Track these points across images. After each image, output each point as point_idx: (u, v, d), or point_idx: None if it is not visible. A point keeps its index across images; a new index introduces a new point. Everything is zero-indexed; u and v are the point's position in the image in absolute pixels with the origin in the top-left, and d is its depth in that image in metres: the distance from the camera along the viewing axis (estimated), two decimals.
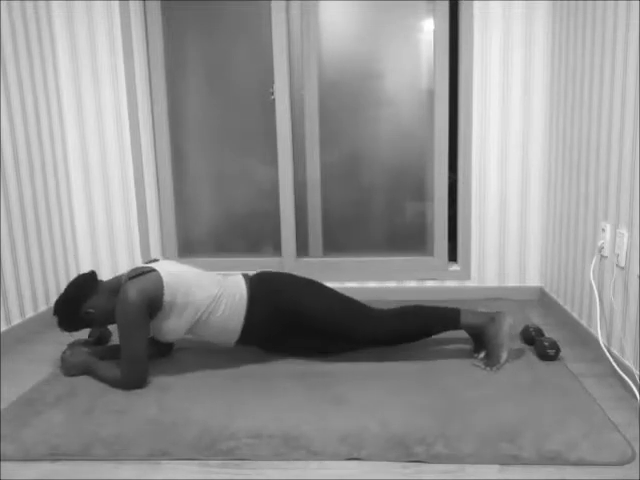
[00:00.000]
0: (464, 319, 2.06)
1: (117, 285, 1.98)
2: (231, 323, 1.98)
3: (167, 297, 1.88)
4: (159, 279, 1.88)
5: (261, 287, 2.04)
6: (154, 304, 1.88)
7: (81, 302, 1.95)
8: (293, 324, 2.03)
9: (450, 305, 2.14)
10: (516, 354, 2.09)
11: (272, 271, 2.17)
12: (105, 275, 3.01)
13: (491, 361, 2.00)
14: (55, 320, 2.00)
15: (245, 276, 2.10)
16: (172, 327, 1.94)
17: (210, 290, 1.95)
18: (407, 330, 2.06)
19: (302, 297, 2.03)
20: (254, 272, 2.17)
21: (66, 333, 2.38)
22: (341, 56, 2.87)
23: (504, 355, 1.99)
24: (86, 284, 1.99)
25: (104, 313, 1.97)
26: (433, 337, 2.30)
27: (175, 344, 2.27)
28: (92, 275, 2.03)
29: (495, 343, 2.01)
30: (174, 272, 1.94)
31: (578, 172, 2.32)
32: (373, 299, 2.89)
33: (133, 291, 1.83)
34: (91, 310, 1.94)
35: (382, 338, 2.05)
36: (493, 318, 2.05)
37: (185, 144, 3.04)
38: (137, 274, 1.89)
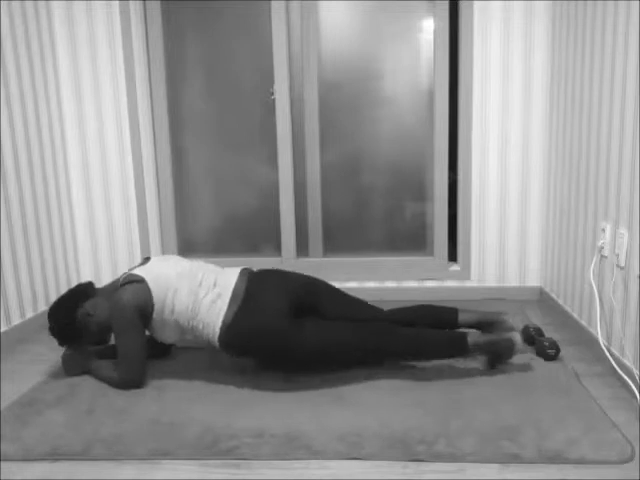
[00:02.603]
0: (473, 349, 1.91)
1: (113, 290, 1.98)
2: (211, 343, 1.93)
3: (156, 314, 1.91)
4: (148, 291, 1.89)
5: (239, 335, 1.86)
6: (144, 311, 1.90)
7: (78, 305, 1.94)
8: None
9: (450, 304, 2.14)
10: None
11: (265, 297, 1.91)
12: (105, 275, 3.01)
13: (491, 364, 2.01)
14: (49, 330, 1.95)
15: (234, 298, 1.90)
16: (166, 334, 1.97)
17: (193, 308, 1.89)
18: (411, 357, 1.95)
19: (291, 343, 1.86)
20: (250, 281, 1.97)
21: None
22: (341, 56, 2.87)
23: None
24: (82, 289, 1.99)
25: (103, 316, 1.95)
26: None
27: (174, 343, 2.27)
28: (89, 283, 2.04)
29: (499, 360, 1.99)
30: (162, 286, 1.91)
31: (578, 172, 2.32)
32: (373, 299, 2.89)
33: (126, 294, 1.86)
34: (90, 312, 1.94)
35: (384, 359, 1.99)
36: (501, 355, 1.95)
37: (185, 144, 3.04)
38: (130, 281, 1.91)
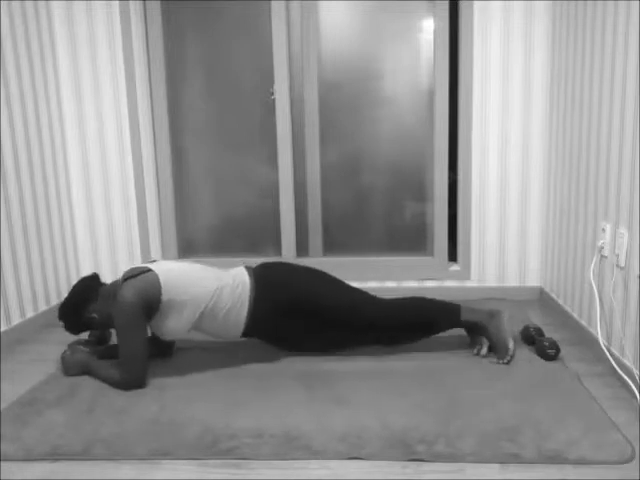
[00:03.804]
0: (464, 315, 2.10)
1: (116, 289, 1.98)
2: (234, 317, 1.99)
3: (165, 296, 1.88)
4: (156, 278, 1.89)
5: (266, 279, 2.05)
6: (151, 304, 1.88)
7: (84, 307, 1.97)
8: (297, 315, 2.03)
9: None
10: (517, 353, 2.09)
11: (275, 262, 2.17)
12: (105, 275, 3.01)
13: (501, 353, 2.04)
14: (61, 324, 2.01)
15: (248, 268, 2.11)
16: (173, 326, 1.94)
17: (209, 285, 1.95)
18: (409, 318, 2.08)
19: (307, 286, 2.04)
20: (256, 264, 2.18)
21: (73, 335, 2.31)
22: (341, 56, 2.87)
23: (511, 343, 2.03)
24: (88, 289, 2.00)
25: (106, 317, 1.97)
26: (432, 336, 2.31)
27: (175, 344, 2.27)
28: (94, 279, 2.04)
29: (499, 336, 2.05)
30: (171, 270, 1.93)
31: (578, 172, 2.32)
32: None
33: (129, 291, 1.84)
34: (94, 315, 1.96)
35: (385, 324, 2.07)
36: (492, 314, 2.10)
37: (185, 144, 3.04)
38: (133, 275, 1.90)
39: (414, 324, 2.09)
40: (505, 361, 2.01)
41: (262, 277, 2.05)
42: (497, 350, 2.05)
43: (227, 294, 1.97)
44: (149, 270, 1.91)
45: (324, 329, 2.09)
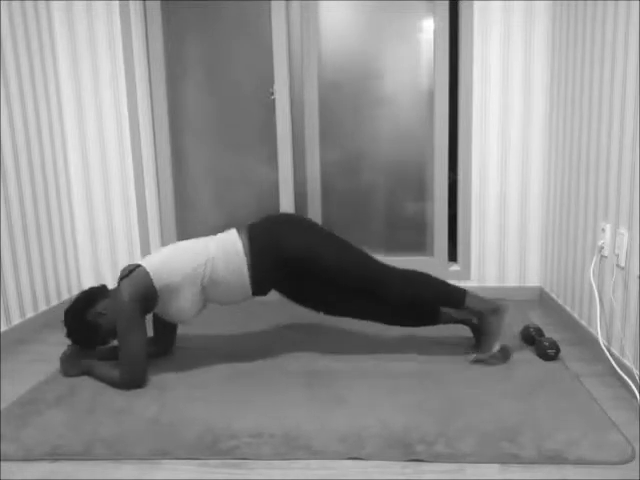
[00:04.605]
0: (468, 301, 2.05)
1: (115, 292, 2.00)
2: (237, 279, 1.97)
3: (158, 284, 1.91)
4: (145, 272, 1.92)
5: (260, 237, 1.99)
6: (149, 296, 1.91)
7: (90, 306, 1.97)
8: (299, 271, 2.02)
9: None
10: (515, 353, 2.09)
11: (274, 216, 2.09)
12: (105, 275, 3.01)
13: (482, 349, 2.04)
14: (65, 331, 2.01)
15: (240, 229, 2.04)
16: (180, 307, 1.96)
17: (197, 260, 1.94)
18: (414, 284, 2.04)
19: (306, 245, 1.99)
20: (255, 220, 2.11)
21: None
22: (341, 56, 2.87)
23: (496, 346, 2.02)
24: (95, 291, 2.02)
25: (112, 320, 1.97)
26: (432, 336, 2.31)
27: (175, 344, 2.27)
28: (103, 286, 2.07)
29: (490, 334, 2.04)
30: (158, 260, 1.95)
31: (578, 172, 2.32)
32: None
33: (125, 291, 1.87)
34: (103, 311, 1.97)
35: (388, 288, 2.02)
36: (495, 310, 2.06)
37: (185, 144, 3.04)
38: (125, 274, 1.93)
39: (418, 294, 2.04)
40: (481, 358, 2.01)
41: (255, 238, 1.99)
42: (481, 344, 2.05)
43: (220, 262, 1.95)
44: (138, 266, 1.94)
45: (328, 286, 2.08)
